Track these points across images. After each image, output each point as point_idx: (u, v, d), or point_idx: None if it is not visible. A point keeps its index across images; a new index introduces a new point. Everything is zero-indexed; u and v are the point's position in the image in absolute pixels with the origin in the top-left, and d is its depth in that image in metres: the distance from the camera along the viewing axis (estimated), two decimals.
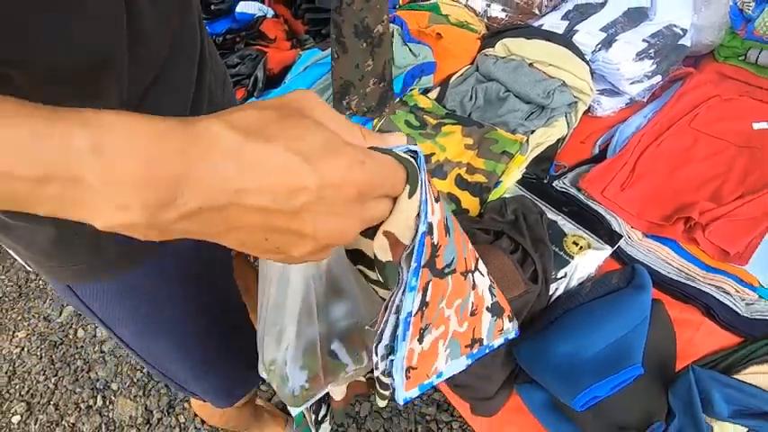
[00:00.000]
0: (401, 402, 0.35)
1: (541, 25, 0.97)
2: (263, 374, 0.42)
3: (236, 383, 0.77)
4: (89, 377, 1.36)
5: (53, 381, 1.36)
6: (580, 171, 0.85)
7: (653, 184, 0.79)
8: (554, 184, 0.83)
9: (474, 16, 1.06)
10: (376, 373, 0.34)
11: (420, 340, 0.33)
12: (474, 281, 0.39)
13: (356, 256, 0.36)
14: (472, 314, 0.39)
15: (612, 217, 0.77)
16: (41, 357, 1.41)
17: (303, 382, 0.42)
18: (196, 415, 1.25)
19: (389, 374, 0.33)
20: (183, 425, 1.24)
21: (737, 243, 0.69)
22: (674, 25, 0.90)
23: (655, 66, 0.88)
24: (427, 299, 0.31)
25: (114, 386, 1.33)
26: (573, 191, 0.81)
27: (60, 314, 1.50)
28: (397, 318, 0.30)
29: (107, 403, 1.30)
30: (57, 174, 0.19)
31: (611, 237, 0.72)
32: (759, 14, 0.84)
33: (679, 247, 0.73)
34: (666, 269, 0.72)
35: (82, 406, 1.30)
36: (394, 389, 0.34)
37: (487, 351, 0.44)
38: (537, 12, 1.00)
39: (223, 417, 0.90)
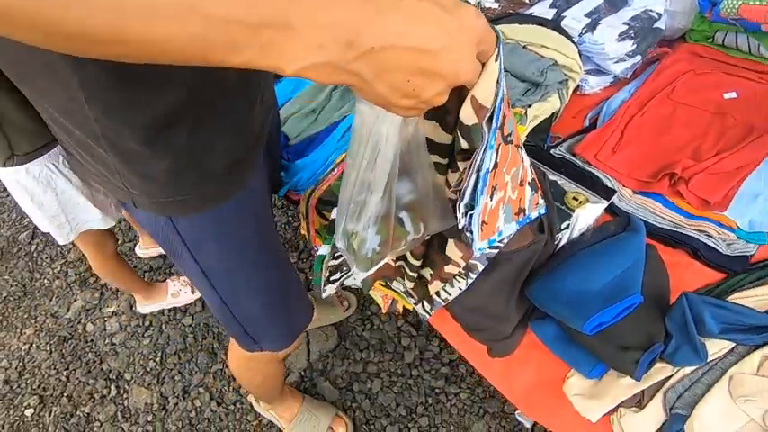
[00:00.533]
0: (477, 253, 0.44)
1: (531, 13, 1.06)
2: (339, 243, 0.49)
3: (297, 319, 0.83)
4: (101, 369, 1.37)
5: (65, 374, 1.37)
6: (573, 141, 0.94)
7: (639, 148, 0.88)
8: (552, 152, 0.91)
9: None
10: (460, 225, 0.42)
11: (491, 197, 0.41)
12: (522, 155, 0.47)
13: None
14: (521, 184, 0.48)
15: (606, 177, 0.85)
16: (51, 352, 1.42)
17: (376, 246, 0.49)
18: (212, 398, 1.28)
19: (469, 230, 0.41)
20: (198, 408, 1.27)
21: (717, 193, 0.78)
22: (650, 10, 1.00)
23: (635, 46, 0.98)
24: (498, 159, 0.39)
25: (128, 376, 1.35)
26: (569, 156, 0.89)
27: (68, 310, 1.51)
28: (477, 175, 0.38)
29: (121, 392, 1.32)
30: (272, 21, 0.25)
31: (606, 192, 0.80)
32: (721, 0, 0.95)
33: (666, 200, 0.82)
34: (656, 220, 0.80)
35: (96, 396, 1.31)
36: (472, 240, 0.43)
37: (527, 222, 0.52)
38: (527, 1, 1.09)
39: (263, 379, 0.97)
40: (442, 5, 0.29)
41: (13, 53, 0.40)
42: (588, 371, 0.65)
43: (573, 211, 0.79)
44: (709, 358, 0.62)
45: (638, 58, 1.01)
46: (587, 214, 0.79)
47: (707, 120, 0.90)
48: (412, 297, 0.80)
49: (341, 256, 0.71)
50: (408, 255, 0.82)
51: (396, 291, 0.85)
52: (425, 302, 0.80)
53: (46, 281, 1.58)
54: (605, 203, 0.79)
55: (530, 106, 0.93)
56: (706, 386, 0.60)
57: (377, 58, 0.28)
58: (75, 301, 1.52)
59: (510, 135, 0.41)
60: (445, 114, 0.41)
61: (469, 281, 0.71)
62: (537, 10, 1.07)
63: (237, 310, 0.72)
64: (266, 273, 0.72)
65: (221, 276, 0.66)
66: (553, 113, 0.95)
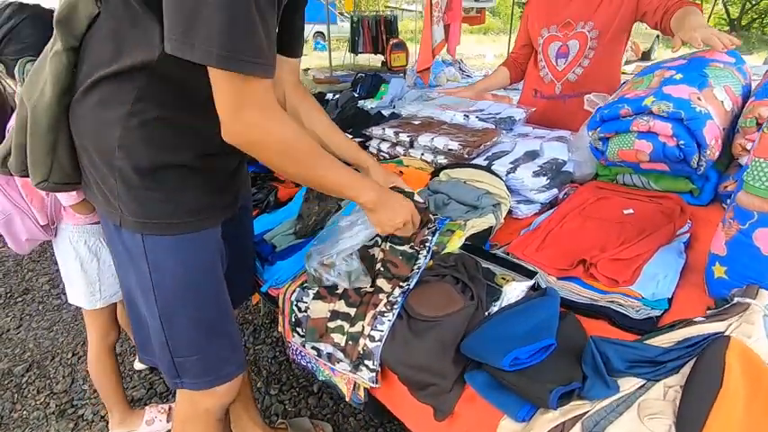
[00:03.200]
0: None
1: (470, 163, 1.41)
2: (309, 264, 0.87)
3: (224, 364, 0.91)
4: None
5: None
6: (507, 245, 1.14)
7: (558, 247, 1.07)
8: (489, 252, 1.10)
9: (426, 164, 1.52)
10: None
11: None
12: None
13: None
14: None
15: (531, 267, 1.02)
16: None
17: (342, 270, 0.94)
18: None
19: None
20: None
21: (623, 274, 0.94)
22: (557, 158, 1.33)
23: (548, 181, 1.27)
24: None
25: None
26: (501, 253, 1.08)
27: None
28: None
29: None
30: (353, 188, 0.81)
31: (528, 274, 0.97)
32: (606, 148, 1.28)
33: (582, 282, 0.96)
34: (576, 297, 0.93)
35: None
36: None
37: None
38: (467, 157, 1.45)
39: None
40: (403, 208, 0.89)
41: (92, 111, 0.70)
42: (516, 412, 0.70)
43: (501, 287, 0.94)
44: (622, 393, 0.68)
45: (555, 190, 1.29)
46: (514, 291, 0.93)
47: (610, 227, 1.11)
48: (347, 358, 0.89)
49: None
50: (344, 304, 0.95)
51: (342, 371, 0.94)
52: (365, 362, 0.88)
53: (25, 412, 1.56)
54: (530, 282, 0.95)
55: (468, 220, 1.17)
56: (619, 414, 0.65)
57: (382, 211, 0.87)
58: None
59: None
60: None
61: (394, 313, 0.90)
62: (475, 162, 1.42)
63: (171, 334, 0.83)
64: (206, 309, 0.85)
65: (166, 297, 0.80)
66: (491, 227, 1.18)
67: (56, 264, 2.52)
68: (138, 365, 1.74)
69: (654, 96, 1.10)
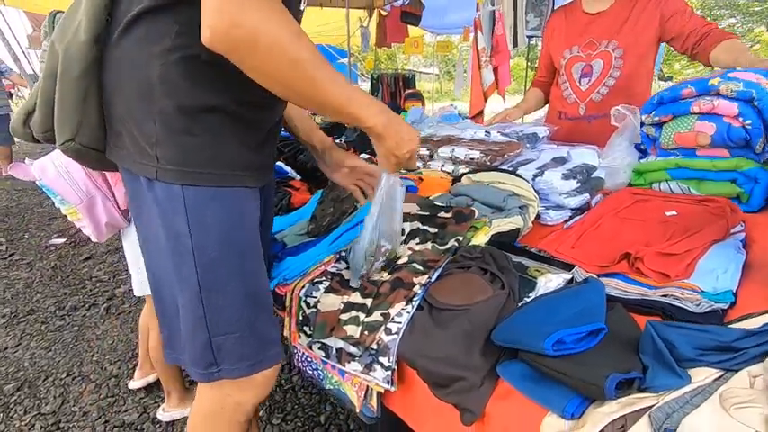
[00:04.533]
0: None
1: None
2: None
3: (264, 349, 0.80)
4: None
5: None
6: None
7: (596, 244, 0.97)
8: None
9: (446, 174, 1.46)
10: None
11: None
12: None
13: None
14: None
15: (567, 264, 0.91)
16: None
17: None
18: None
19: None
20: None
21: (675, 268, 0.82)
22: (587, 163, 1.26)
23: (579, 184, 1.19)
24: None
25: None
26: (533, 251, 0.98)
27: None
28: None
29: None
30: (360, 106, 0.68)
31: (566, 267, 0.86)
32: (660, 134, 1.20)
33: (627, 278, 0.85)
34: (621, 294, 0.81)
35: None
36: None
37: None
38: (489, 164, 1.39)
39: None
40: (409, 132, 0.76)
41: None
42: (563, 406, 0.57)
43: (535, 278, 0.83)
44: (695, 385, 0.55)
45: (586, 195, 1.20)
46: (550, 283, 0.82)
47: (653, 227, 1.01)
48: (361, 349, 0.78)
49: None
50: (359, 296, 0.85)
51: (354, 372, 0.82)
52: (380, 359, 0.76)
53: None
54: (567, 274, 0.84)
55: (493, 220, 1.08)
56: (695, 406, 0.52)
57: (391, 137, 0.73)
58: None
59: None
60: None
61: (413, 305, 0.80)
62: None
63: (210, 305, 0.72)
64: (251, 276, 0.76)
65: (207, 261, 0.71)
66: (518, 229, 1.09)
67: (65, 287, 2.49)
68: (132, 384, 1.61)
69: (720, 78, 1.05)
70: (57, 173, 1.19)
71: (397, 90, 8.93)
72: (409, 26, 5.86)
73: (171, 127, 0.68)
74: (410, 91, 8.17)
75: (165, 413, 1.46)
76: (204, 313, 0.73)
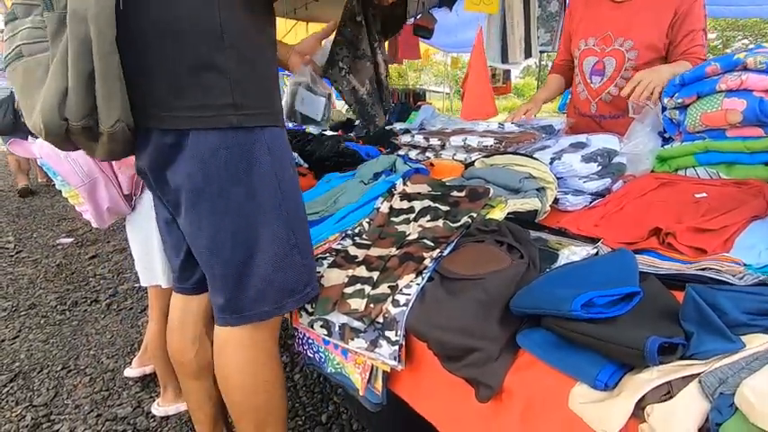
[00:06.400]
0: None
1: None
2: None
3: (298, 285, 0.79)
4: None
5: None
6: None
7: (622, 221, 0.90)
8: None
9: (459, 162, 1.40)
10: None
11: None
12: None
13: None
14: None
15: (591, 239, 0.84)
16: None
17: None
18: None
19: None
20: None
21: (713, 242, 0.75)
22: (606, 147, 1.19)
23: (600, 168, 1.12)
24: None
25: None
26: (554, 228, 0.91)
27: None
28: None
29: None
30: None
31: (590, 241, 0.79)
32: (684, 117, 1.13)
33: (659, 254, 0.77)
34: (653, 270, 0.74)
35: None
36: None
37: None
38: (503, 150, 1.33)
39: (274, 378, 0.85)
40: None
41: None
42: (595, 375, 0.50)
43: (557, 251, 0.77)
44: (753, 350, 0.48)
45: (607, 180, 1.13)
46: (573, 256, 0.76)
47: (683, 207, 0.93)
48: (365, 323, 0.71)
49: None
50: (364, 270, 0.79)
51: (357, 349, 0.75)
52: (386, 333, 0.70)
53: None
54: (591, 246, 0.77)
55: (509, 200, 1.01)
56: (752, 371, 0.44)
57: None
58: None
59: None
60: None
61: (423, 277, 0.74)
62: None
63: (297, 235, 0.76)
64: (301, 222, 0.79)
65: (291, 195, 0.76)
66: (535, 210, 1.02)
67: (68, 283, 2.45)
68: (128, 372, 1.55)
69: (745, 52, 0.99)
70: (57, 152, 1.16)
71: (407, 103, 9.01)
72: (420, 44, 5.88)
73: (244, 66, 0.69)
74: (420, 103, 8.23)
75: (160, 408, 1.39)
76: (296, 242, 0.77)
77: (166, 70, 0.66)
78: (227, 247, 0.73)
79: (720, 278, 0.67)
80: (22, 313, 2.11)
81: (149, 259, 1.25)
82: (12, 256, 2.89)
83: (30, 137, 1.26)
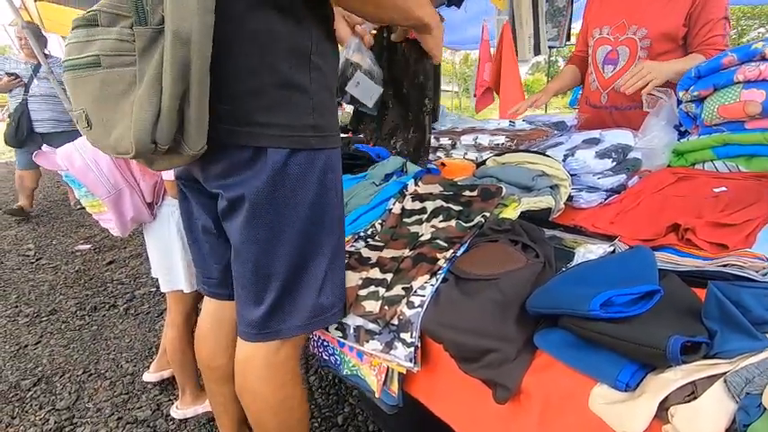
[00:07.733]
0: None
1: None
2: None
3: (332, 305, 0.77)
4: None
5: None
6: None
7: (639, 217, 0.88)
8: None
9: (471, 162, 1.39)
10: None
11: None
12: None
13: None
14: None
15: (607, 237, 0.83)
16: None
17: None
18: None
19: None
20: None
21: (734, 237, 0.73)
22: (621, 143, 1.17)
23: (615, 163, 1.10)
24: None
25: None
26: (569, 225, 0.90)
27: None
28: None
29: None
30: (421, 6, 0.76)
31: (606, 238, 0.78)
32: (701, 110, 1.11)
33: (678, 251, 0.76)
34: (676, 268, 0.72)
35: None
36: None
37: None
38: (513, 147, 1.32)
39: (300, 393, 0.84)
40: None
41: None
42: (616, 375, 0.49)
43: (573, 249, 0.76)
44: None
45: (622, 176, 1.12)
46: (590, 255, 0.74)
47: (702, 201, 0.91)
48: (381, 325, 0.71)
49: None
50: (378, 272, 0.78)
51: (373, 352, 0.75)
52: (401, 335, 0.70)
53: (22, 427, 1.41)
54: (608, 244, 0.76)
55: (522, 198, 1.00)
56: None
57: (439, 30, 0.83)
58: None
59: None
60: None
61: (438, 278, 0.73)
62: None
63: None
64: (344, 242, 0.78)
65: (327, 224, 0.73)
66: (549, 208, 1.01)
67: (87, 289, 2.50)
68: (147, 377, 1.57)
69: (763, 41, 0.97)
70: (84, 163, 1.14)
71: None
72: None
73: (322, 82, 0.69)
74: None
75: (179, 411, 1.41)
76: (340, 264, 0.77)
77: (251, 87, 0.63)
78: (278, 262, 0.71)
79: (743, 274, 0.65)
80: (44, 319, 2.16)
81: (170, 265, 1.27)
82: (32, 263, 2.96)
83: (45, 146, 1.27)
